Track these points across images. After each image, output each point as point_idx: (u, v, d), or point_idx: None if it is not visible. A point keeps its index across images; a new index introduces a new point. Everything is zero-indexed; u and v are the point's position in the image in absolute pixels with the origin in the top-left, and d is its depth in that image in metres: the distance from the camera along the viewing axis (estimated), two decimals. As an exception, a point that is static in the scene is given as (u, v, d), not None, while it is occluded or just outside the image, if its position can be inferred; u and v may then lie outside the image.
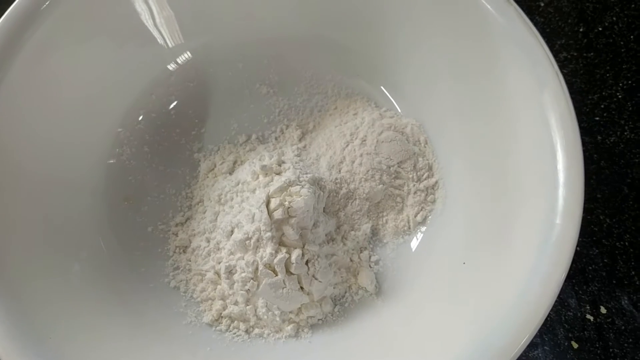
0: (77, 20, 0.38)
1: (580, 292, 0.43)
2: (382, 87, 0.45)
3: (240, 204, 0.39)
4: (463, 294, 0.35)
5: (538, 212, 0.32)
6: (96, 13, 0.39)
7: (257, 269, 0.36)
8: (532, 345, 0.41)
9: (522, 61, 0.35)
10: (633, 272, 0.44)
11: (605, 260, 0.44)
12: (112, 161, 0.42)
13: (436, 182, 0.42)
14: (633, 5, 0.53)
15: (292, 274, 0.37)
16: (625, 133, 0.48)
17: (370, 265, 0.40)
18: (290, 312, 0.38)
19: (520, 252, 0.32)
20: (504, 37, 0.36)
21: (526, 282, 0.31)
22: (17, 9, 0.36)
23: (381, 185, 0.41)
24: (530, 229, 0.32)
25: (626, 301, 0.43)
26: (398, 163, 0.42)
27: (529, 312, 0.30)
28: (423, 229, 0.41)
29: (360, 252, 0.41)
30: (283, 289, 0.36)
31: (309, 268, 0.37)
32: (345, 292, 0.39)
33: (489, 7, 0.36)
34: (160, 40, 0.43)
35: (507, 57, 0.36)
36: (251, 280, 0.36)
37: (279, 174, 0.40)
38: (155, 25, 0.42)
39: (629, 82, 0.50)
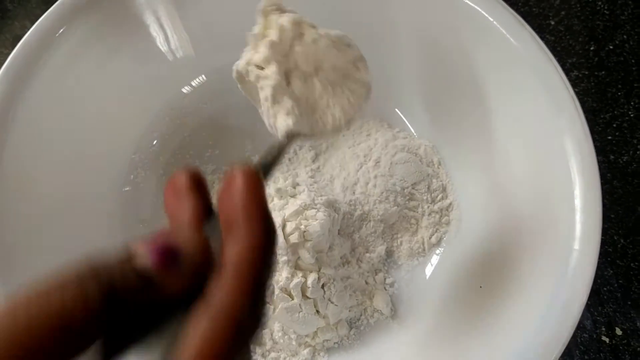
0: (92, 46, 0.38)
1: (596, 313, 0.43)
2: (394, 108, 0.46)
3: (256, 226, 0.39)
4: (480, 318, 0.35)
5: (556, 237, 0.32)
6: (111, 38, 0.39)
7: (273, 293, 0.36)
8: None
9: (537, 85, 0.35)
10: (648, 293, 0.44)
11: (620, 281, 0.44)
12: (127, 188, 0.42)
13: (450, 203, 0.42)
14: (643, 24, 0.53)
15: (308, 298, 0.37)
16: (638, 152, 0.48)
17: (385, 288, 0.40)
18: (306, 335, 0.38)
19: (538, 278, 0.32)
20: (518, 61, 0.36)
21: (546, 309, 0.30)
22: (33, 35, 0.36)
23: (395, 207, 0.41)
24: (548, 254, 0.32)
25: (642, 322, 0.43)
26: (412, 185, 0.42)
27: (549, 338, 0.30)
28: (438, 250, 0.41)
29: (375, 274, 0.41)
30: (299, 313, 0.36)
31: (324, 292, 0.37)
32: (361, 315, 0.39)
33: (503, 30, 0.36)
34: (175, 64, 0.43)
35: (522, 81, 0.36)
36: (267, 305, 0.37)
37: (293, 196, 0.40)
38: (170, 49, 0.42)
39: (641, 100, 0.50)
